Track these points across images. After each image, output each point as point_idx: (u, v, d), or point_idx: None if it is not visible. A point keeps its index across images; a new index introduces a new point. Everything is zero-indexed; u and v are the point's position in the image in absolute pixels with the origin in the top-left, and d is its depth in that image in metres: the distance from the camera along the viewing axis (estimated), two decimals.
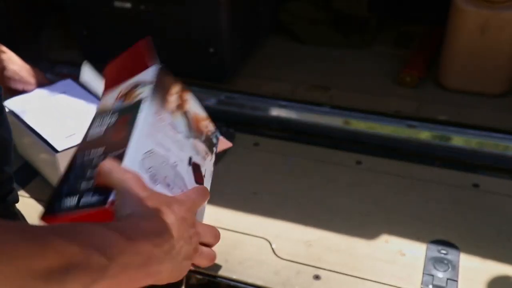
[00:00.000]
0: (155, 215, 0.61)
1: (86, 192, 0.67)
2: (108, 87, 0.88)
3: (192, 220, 0.66)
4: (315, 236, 1.00)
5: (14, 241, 0.45)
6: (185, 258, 0.63)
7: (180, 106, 0.83)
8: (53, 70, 1.57)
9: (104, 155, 0.71)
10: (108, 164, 0.65)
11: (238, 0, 1.48)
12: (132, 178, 0.64)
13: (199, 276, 0.95)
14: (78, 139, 0.83)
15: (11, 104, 1.15)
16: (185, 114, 0.83)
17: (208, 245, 0.72)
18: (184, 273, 0.65)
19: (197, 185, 0.77)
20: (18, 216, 0.96)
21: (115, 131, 0.75)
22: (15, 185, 0.95)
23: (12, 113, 1.13)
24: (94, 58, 1.27)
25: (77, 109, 1.15)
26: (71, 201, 0.67)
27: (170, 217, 0.61)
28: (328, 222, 1.03)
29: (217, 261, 0.94)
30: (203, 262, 0.71)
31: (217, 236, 0.72)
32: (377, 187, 1.13)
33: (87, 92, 1.20)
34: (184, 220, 0.63)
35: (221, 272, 0.93)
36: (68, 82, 1.24)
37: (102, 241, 0.52)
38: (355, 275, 0.92)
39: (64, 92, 1.20)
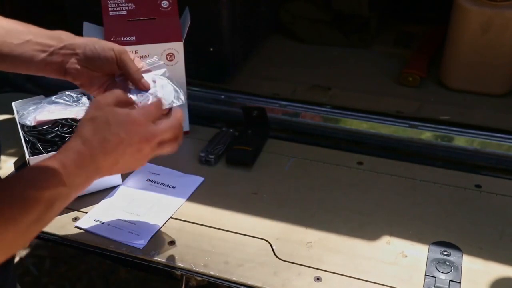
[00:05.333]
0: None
1: None
2: None
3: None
4: (316, 237, 0.99)
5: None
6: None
7: None
8: None
9: None
10: None
11: (239, 0, 1.47)
12: None
13: (198, 278, 0.94)
14: None
15: None
16: None
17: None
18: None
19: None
20: None
21: None
22: None
23: None
24: None
25: None
26: None
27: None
28: (329, 223, 1.02)
29: (217, 262, 0.94)
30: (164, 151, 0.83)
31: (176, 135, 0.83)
32: (378, 187, 1.12)
33: None
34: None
35: (221, 274, 0.92)
36: None
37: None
38: (356, 276, 0.91)
39: None
